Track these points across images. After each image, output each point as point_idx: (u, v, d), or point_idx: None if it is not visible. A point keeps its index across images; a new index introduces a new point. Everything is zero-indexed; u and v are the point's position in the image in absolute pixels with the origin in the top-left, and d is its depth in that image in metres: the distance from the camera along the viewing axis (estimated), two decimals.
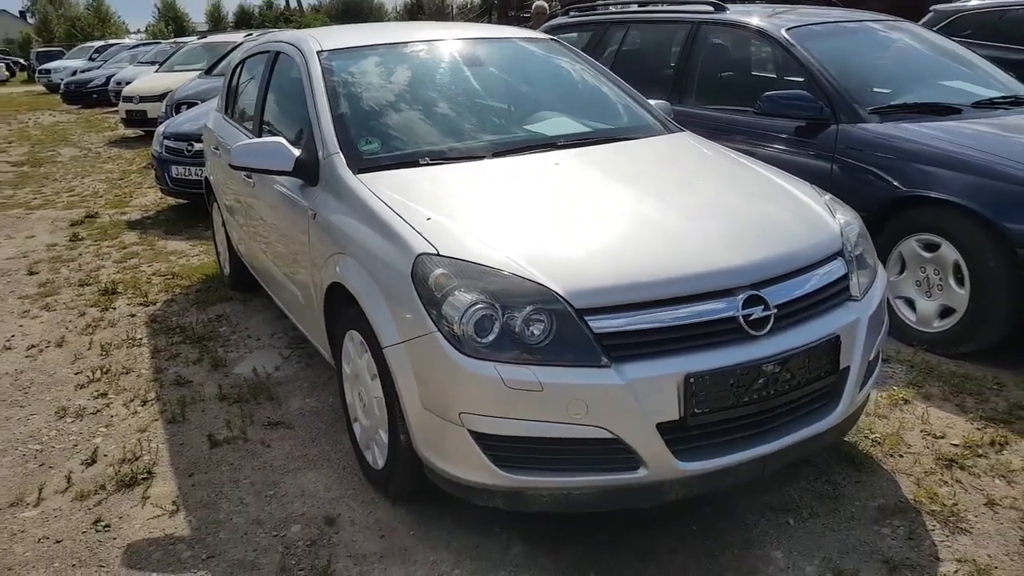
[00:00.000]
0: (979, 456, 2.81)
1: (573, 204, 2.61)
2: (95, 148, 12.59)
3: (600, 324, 2.13)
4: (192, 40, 15.99)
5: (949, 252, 3.56)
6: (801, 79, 4.34)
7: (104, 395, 3.54)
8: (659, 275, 2.20)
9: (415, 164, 2.90)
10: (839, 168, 4.00)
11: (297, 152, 3.02)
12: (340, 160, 2.88)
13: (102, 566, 2.40)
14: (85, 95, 19.58)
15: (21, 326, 4.48)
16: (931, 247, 3.65)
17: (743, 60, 4.89)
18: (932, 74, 4.73)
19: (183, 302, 4.83)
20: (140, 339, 4.22)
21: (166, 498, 2.74)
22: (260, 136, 3.76)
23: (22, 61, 41.27)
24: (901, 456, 2.83)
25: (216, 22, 71.87)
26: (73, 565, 2.41)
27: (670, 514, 2.50)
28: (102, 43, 28.93)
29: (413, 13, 75.19)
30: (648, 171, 2.97)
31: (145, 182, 9.13)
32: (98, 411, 3.40)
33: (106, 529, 2.58)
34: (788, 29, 4.51)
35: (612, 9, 6.23)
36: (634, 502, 2.25)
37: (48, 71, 26.57)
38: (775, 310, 2.25)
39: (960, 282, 3.54)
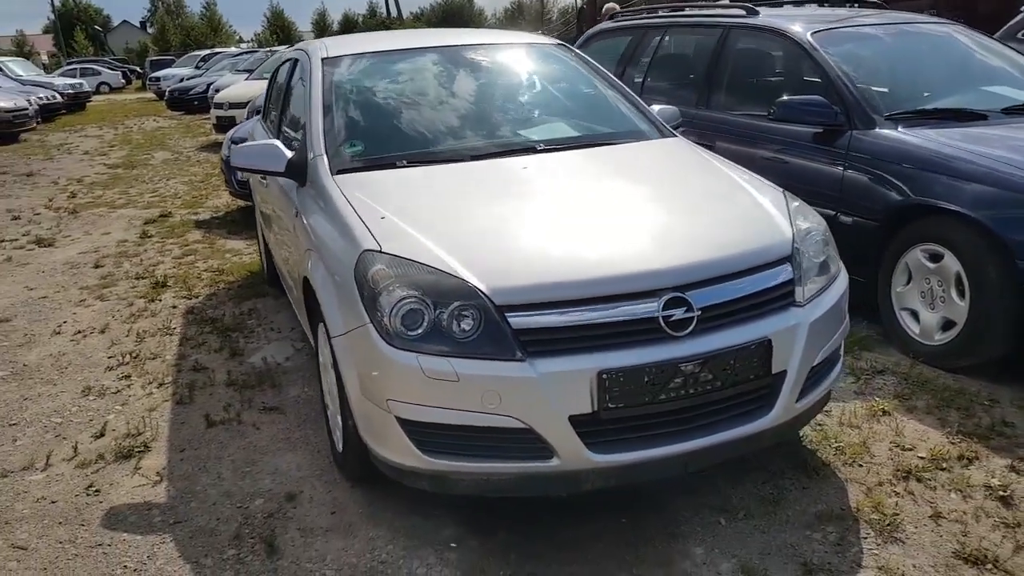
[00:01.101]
0: (941, 469, 2.75)
1: (523, 206, 2.72)
2: (186, 152, 13.42)
3: (519, 320, 2.23)
4: (282, 49, 16.76)
5: (951, 263, 3.47)
6: (820, 83, 4.27)
7: (128, 377, 3.87)
8: (580, 276, 2.29)
9: (393, 166, 3.07)
10: (851, 174, 3.94)
11: (290, 154, 3.24)
12: (323, 162, 3.09)
13: (83, 524, 2.67)
14: (187, 102, 20.73)
15: (74, 313, 4.90)
16: (936, 257, 3.55)
17: (769, 65, 4.86)
18: (973, 78, 4.58)
19: (222, 296, 5.17)
20: (174, 328, 4.56)
21: (154, 469, 3.00)
22: (278, 139, 4.02)
23: (138, 69, 44.07)
24: (860, 465, 2.80)
25: (321, 30, 74.73)
26: (59, 522, 2.69)
27: (604, 505, 2.57)
28: (208, 52, 30.58)
29: (513, 17, 76.15)
30: (613, 175, 3.04)
31: (223, 185, 9.66)
32: (119, 391, 3.72)
33: (96, 493, 2.86)
34: (814, 33, 4.45)
35: (661, 13, 6.27)
36: (551, 489, 2.35)
37: (158, 79, 28.28)
38: (698, 312, 2.30)
39: (962, 294, 3.44)
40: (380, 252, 2.43)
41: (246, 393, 3.62)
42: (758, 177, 3.07)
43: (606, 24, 6.58)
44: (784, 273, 2.50)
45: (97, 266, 6.05)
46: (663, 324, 2.27)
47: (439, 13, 74.64)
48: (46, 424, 3.43)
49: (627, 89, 3.83)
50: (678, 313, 2.28)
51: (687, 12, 5.68)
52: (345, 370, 2.48)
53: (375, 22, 65.76)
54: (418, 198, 2.82)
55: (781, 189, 2.95)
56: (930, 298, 3.60)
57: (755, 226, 2.63)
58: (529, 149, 3.21)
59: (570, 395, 2.21)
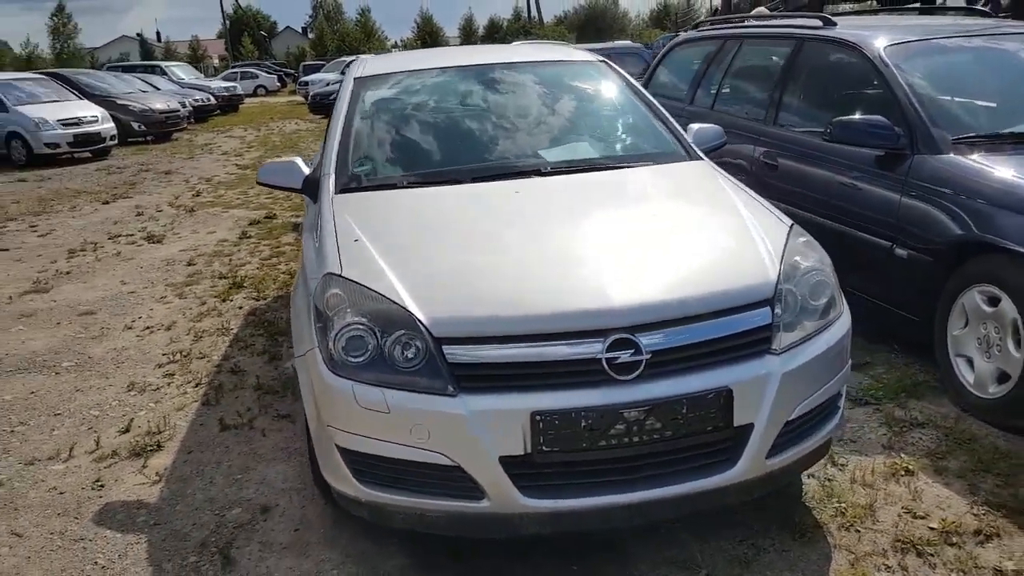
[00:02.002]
0: (950, 544, 2.44)
1: (496, 234, 2.66)
2: (312, 154, 14.08)
3: (455, 354, 2.18)
4: None
5: (1008, 308, 3.09)
6: (887, 102, 3.92)
7: (171, 375, 4.10)
8: (520, 311, 2.21)
9: (394, 187, 3.09)
10: (908, 202, 3.58)
11: (307, 171, 3.33)
12: (329, 180, 3.14)
13: (77, 518, 2.85)
14: (328, 106, 21.68)
15: (151, 310, 5.26)
16: (994, 301, 3.18)
17: (840, 81, 4.49)
18: None
19: (287, 299, 5.37)
20: (231, 329, 4.79)
21: (157, 469, 3.16)
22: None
23: (293, 73, 46.75)
24: (857, 531, 2.54)
25: (467, 36, 76.68)
26: (58, 513, 2.89)
27: (557, 547, 2.47)
28: (352, 57, 31.95)
29: (659, 18, 75.10)
30: (606, 201, 2.92)
31: None
32: (158, 388, 3.95)
33: (99, 488, 3.04)
34: (889, 46, 4.09)
35: (752, 22, 5.98)
36: (484, 532, 2.29)
37: (306, 83, 29.87)
38: (648, 355, 2.16)
39: (1019, 344, 3.05)
40: (339, 276, 2.44)
41: (267, 399, 3.75)
42: (769, 209, 2.84)
43: (689, 33, 6.34)
44: (760, 317, 2.31)
45: (190, 264, 6.46)
46: (606, 367, 2.15)
47: (582, 16, 74.60)
48: (84, 416, 3.69)
49: (660, 109, 3.66)
50: (624, 356, 2.15)
51: (766, 23, 5.37)
52: (303, 392, 2.51)
53: (518, 26, 66.68)
54: (400, 221, 2.82)
55: (790, 223, 2.71)
56: (986, 345, 3.22)
57: (735, 265, 2.43)
58: (535, 171, 3.14)
59: (501, 435, 2.13)
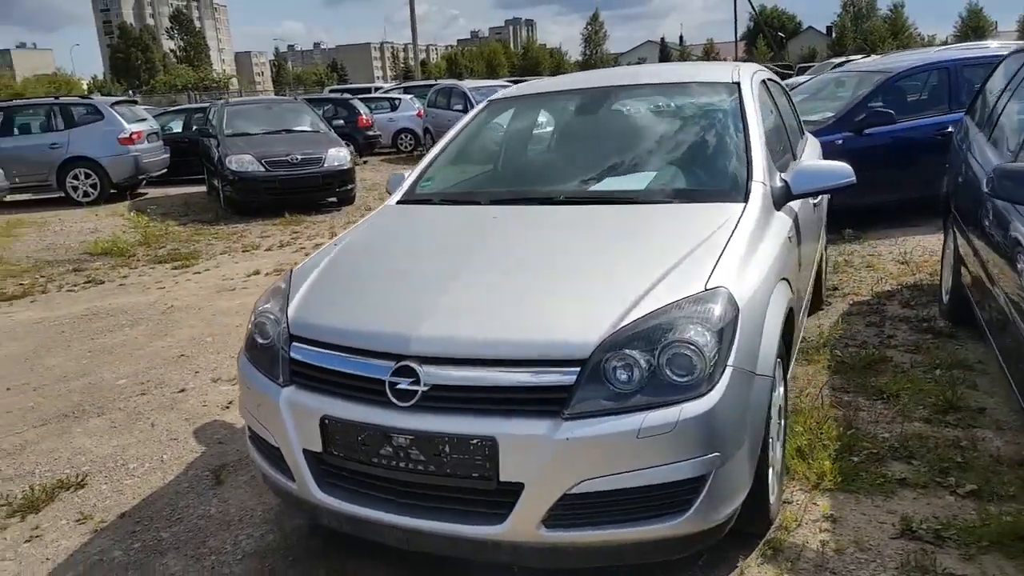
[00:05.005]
0: None
1: (420, 253, 2.92)
2: None
3: (296, 350, 2.52)
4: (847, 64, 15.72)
5: None
6: None
7: None
8: (328, 323, 2.50)
9: (428, 202, 3.44)
10: None
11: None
12: (399, 192, 3.60)
13: (191, 424, 3.86)
14: None
15: None
16: None
17: None
18: None
19: None
20: None
21: None
22: None
23: (789, 73, 45.60)
24: None
25: None
26: (186, 419, 3.94)
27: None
28: (842, 61, 30.12)
29: None
30: (561, 237, 2.83)
31: None
32: None
33: (225, 409, 4.02)
34: None
35: None
36: (298, 512, 2.64)
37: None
38: (425, 387, 2.22)
39: None
40: (291, 272, 2.92)
41: None
42: (713, 272, 2.35)
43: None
44: (559, 377, 2.14)
45: None
46: (387, 390, 2.27)
47: None
48: None
49: (753, 144, 3.17)
50: (403, 383, 2.24)
51: None
52: None
53: None
54: (384, 233, 3.21)
55: (703, 289, 2.30)
56: None
57: (567, 320, 2.26)
58: (546, 200, 3.16)
59: (303, 429, 2.42)
